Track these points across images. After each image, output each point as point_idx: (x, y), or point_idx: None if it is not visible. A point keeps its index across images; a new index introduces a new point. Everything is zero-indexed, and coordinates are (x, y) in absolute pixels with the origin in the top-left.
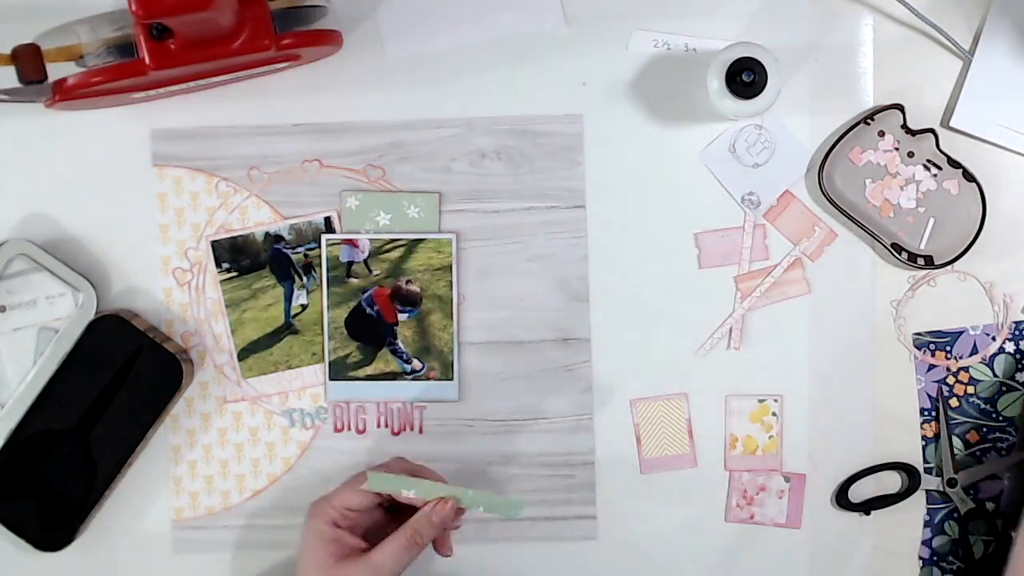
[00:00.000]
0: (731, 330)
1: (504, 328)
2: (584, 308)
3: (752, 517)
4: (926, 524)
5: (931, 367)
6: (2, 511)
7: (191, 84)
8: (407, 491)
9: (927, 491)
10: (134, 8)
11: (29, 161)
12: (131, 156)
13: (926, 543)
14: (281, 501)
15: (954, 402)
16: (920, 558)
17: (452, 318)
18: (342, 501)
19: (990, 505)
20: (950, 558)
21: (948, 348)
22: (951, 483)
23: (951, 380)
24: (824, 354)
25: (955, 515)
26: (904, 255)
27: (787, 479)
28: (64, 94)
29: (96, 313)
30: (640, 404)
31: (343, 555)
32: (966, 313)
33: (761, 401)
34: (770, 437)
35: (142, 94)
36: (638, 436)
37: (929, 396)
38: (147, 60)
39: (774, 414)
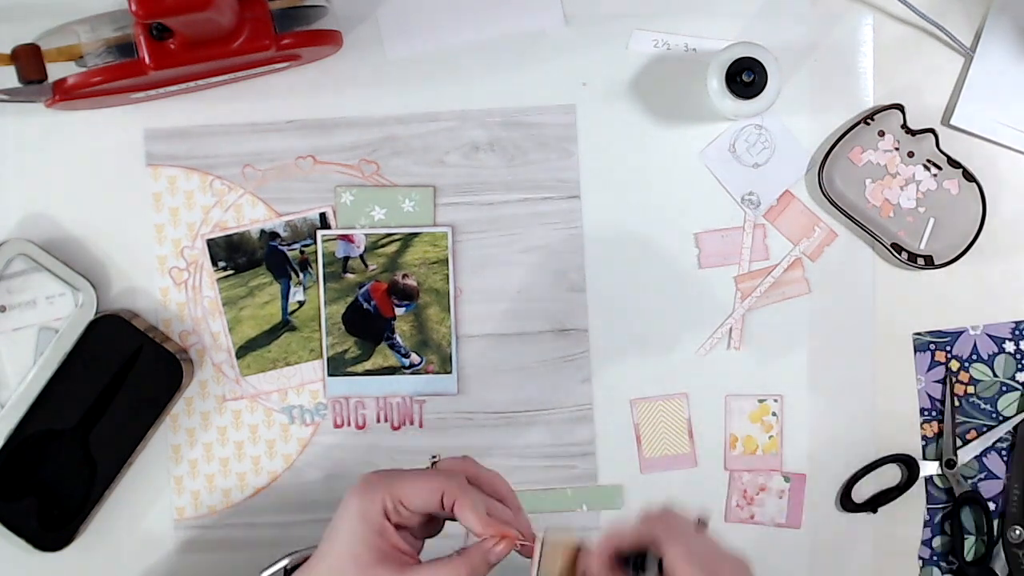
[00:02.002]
0: (731, 330)
1: (502, 320)
2: (581, 298)
3: (752, 517)
4: (926, 524)
5: (931, 367)
6: (2, 511)
7: (191, 84)
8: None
9: (927, 483)
10: (134, 8)
11: (29, 161)
12: (126, 156)
13: (926, 543)
14: (283, 498)
15: (954, 401)
16: (920, 558)
17: (449, 311)
18: (403, 494)
19: (985, 492)
20: (950, 558)
21: (948, 348)
22: (949, 464)
23: (951, 380)
24: (824, 354)
25: (955, 514)
26: (904, 255)
27: (787, 479)
28: (64, 94)
29: (96, 313)
30: (640, 404)
31: (384, 556)
32: (966, 313)
33: (761, 401)
34: (770, 437)
35: (142, 94)
36: (638, 436)
37: (929, 396)
38: (147, 60)
39: (774, 414)
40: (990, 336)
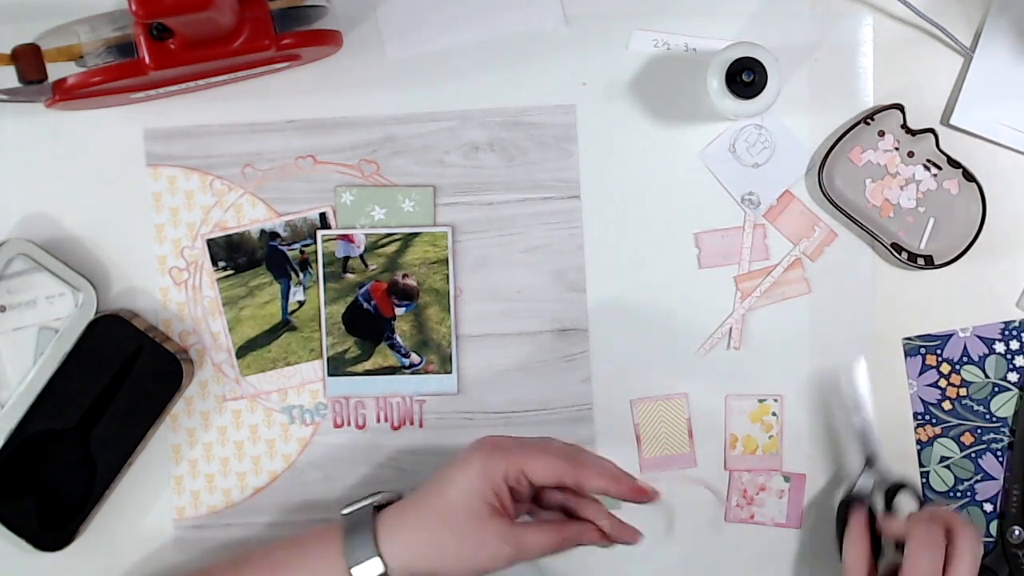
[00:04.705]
0: (731, 330)
1: (502, 320)
2: (581, 298)
3: (752, 517)
4: None
5: (923, 371)
6: (2, 511)
7: (191, 84)
8: None
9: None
10: (134, 8)
11: (29, 161)
12: (126, 156)
13: None
14: (283, 498)
15: (947, 404)
16: None
17: (449, 311)
18: (528, 467)
19: (981, 494)
20: None
21: (939, 351)
22: (869, 462)
23: (943, 383)
24: (824, 354)
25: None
26: (904, 255)
27: (787, 479)
28: (64, 94)
29: (96, 313)
30: (640, 404)
31: (496, 513)
32: (966, 313)
33: (761, 401)
34: (770, 437)
35: (142, 94)
36: (638, 436)
37: (922, 400)
38: (147, 60)
39: (774, 414)
40: (979, 338)
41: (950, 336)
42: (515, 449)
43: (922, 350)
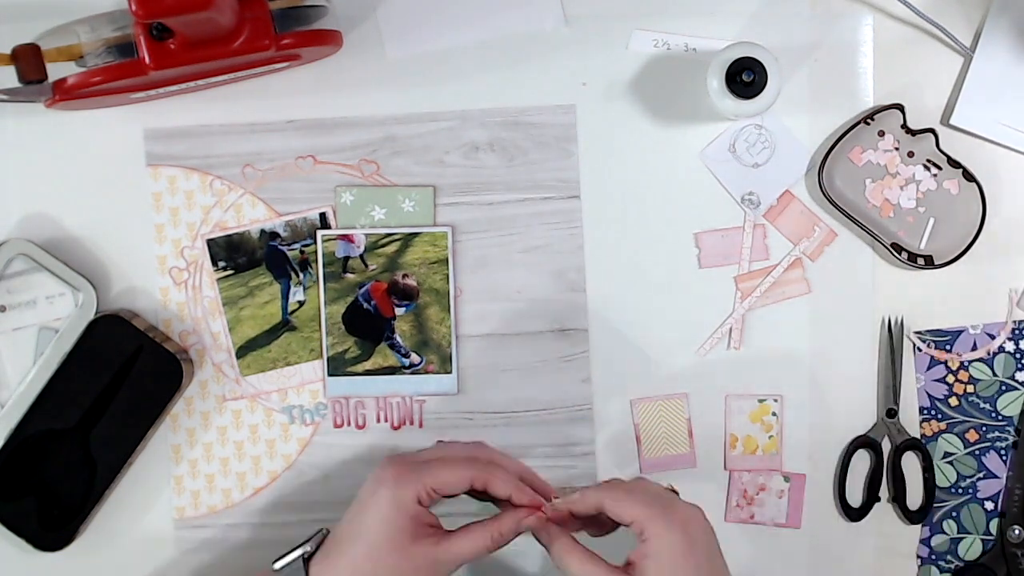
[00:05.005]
0: (731, 330)
1: (501, 320)
2: (581, 298)
3: (752, 517)
4: (925, 523)
5: (931, 366)
6: (2, 511)
7: (191, 84)
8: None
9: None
10: (134, 8)
11: (29, 161)
12: (126, 156)
13: (924, 542)
14: (282, 498)
15: (953, 401)
16: (919, 556)
17: (449, 311)
18: (435, 481)
19: (984, 491)
20: (948, 557)
21: (948, 347)
22: (890, 413)
23: (951, 379)
24: (824, 354)
25: (954, 514)
26: (904, 255)
27: (787, 479)
28: (64, 94)
29: (96, 313)
30: (640, 404)
31: (419, 535)
32: (966, 313)
33: (761, 401)
34: (770, 437)
35: (142, 94)
36: (638, 436)
37: (929, 395)
38: (147, 60)
39: (774, 414)
40: (989, 335)
41: (960, 332)
42: (419, 470)
43: (931, 345)
